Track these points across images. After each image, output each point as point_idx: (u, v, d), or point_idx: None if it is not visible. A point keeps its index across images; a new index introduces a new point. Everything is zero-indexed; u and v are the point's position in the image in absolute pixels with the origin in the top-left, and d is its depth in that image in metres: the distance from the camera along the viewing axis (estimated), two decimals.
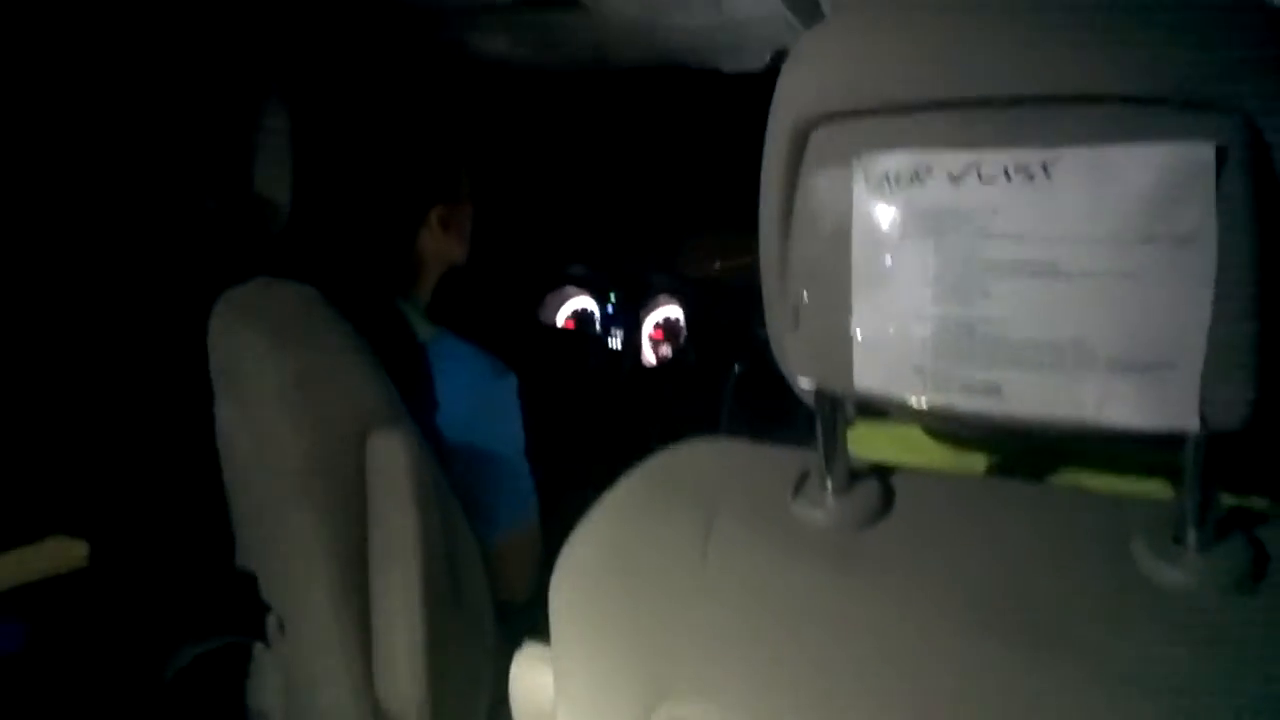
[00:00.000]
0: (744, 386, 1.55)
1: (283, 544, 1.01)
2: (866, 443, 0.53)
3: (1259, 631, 0.35)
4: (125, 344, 1.27)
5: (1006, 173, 0.38)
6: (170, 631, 1.10)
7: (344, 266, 1.12)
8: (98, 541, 1.17)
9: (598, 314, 1.93)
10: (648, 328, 1.84)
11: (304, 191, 1.13)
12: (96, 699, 1.16)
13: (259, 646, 1.11)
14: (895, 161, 0.41)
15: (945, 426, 0.46)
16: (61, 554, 1.14)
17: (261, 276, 1.07)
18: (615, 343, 1.86)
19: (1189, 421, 0.36)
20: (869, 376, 0.43)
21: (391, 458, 0.96)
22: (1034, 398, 0.39)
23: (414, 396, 1.05)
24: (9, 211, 1.22)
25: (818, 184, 0.44)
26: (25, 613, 1.14)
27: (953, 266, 0.39)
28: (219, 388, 1.08)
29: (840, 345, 0.43)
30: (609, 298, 1.91)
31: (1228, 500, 0.39)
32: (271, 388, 0.97)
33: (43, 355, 1.23)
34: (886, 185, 0.41)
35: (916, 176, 0.40)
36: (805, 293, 0.45)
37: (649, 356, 1.84)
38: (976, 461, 0.54)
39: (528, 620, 0.60)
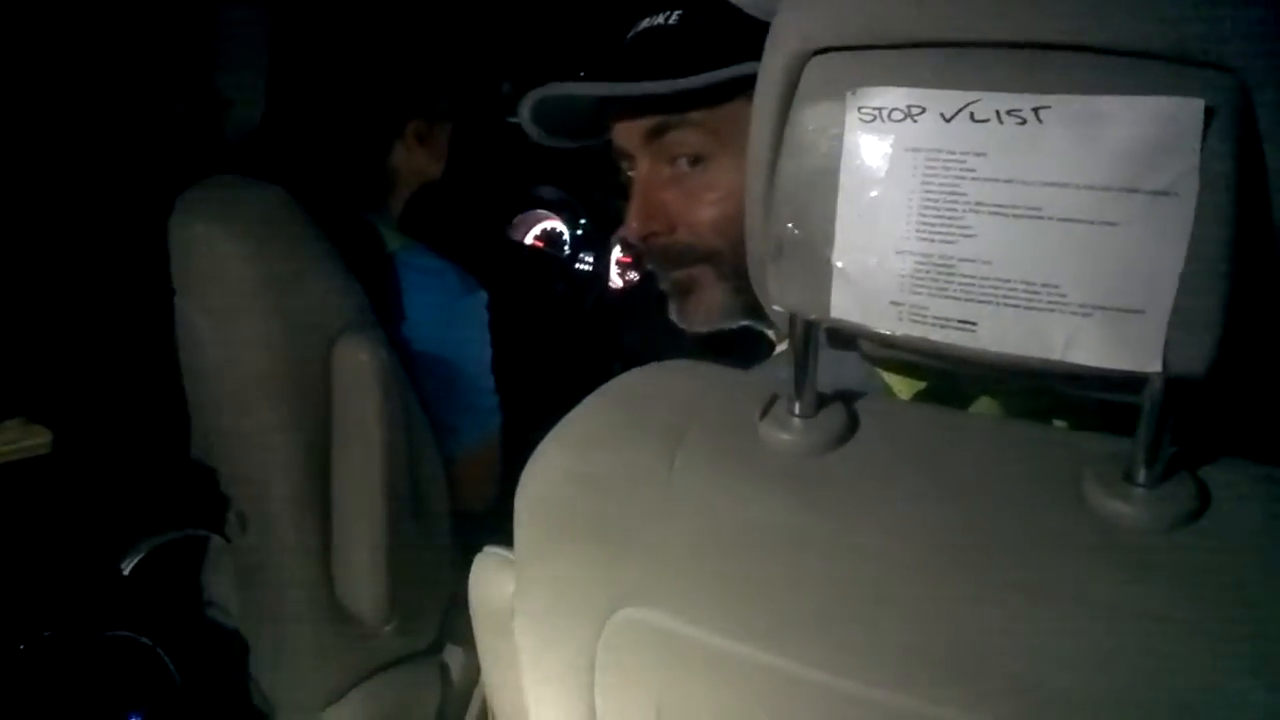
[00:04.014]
0: None
1: (246, 442, 1.01)
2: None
3: (1198, 561, 0.38)
4: (93, 238, 1.25)
5: (999, 115, 0.39)
6: (129, 524, 1.11)
7: (315, 174, 1.10)
8: (61, 429, 1.16)
9: (567, 236, 1.93)
10: (616, 253, 1.84)
11: (278, 97, 1.10)
12: (51, 588, 1.16)
13: (215, 539, 1.12)
14: (889, 97, 0.41)
15: (918, 360, 0.48)
16: (24, 437, 1.13)
17: (225, 175, 1.05)
18: (584, 266, 1.86)
19: (1152, 364, 0.38)
20: (846, 307, 0.44)
21: (359, 364, 0.96)
22: (1006, 335, 0.40)
23: (381, 306, 1.05)
24: None
25: (810, 116, 0.44)
26: None
27: (938, 204, 0.40)
28: (180, 285, 1.06)
29: (820, 275, 0.44)
30: (579, 222, 1.90)
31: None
32: (239, 288, 0.96)
33: (12, 245, 1.21)
34: (879, 120, 0.42)
35: (909, 113, 0.41)
36: (791, 224, 0.45)
37: (616, 281, 1.84)
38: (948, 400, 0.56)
39: (487, 531, 0.61)
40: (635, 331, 1.70)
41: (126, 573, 1.05)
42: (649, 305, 1.75)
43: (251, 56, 1.06)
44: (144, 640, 1.08)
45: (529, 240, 1.96)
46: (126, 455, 1.21)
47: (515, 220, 1.96)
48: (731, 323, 0.83)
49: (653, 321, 1.70)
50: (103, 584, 1.08)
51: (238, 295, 0.96)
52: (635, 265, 1.82)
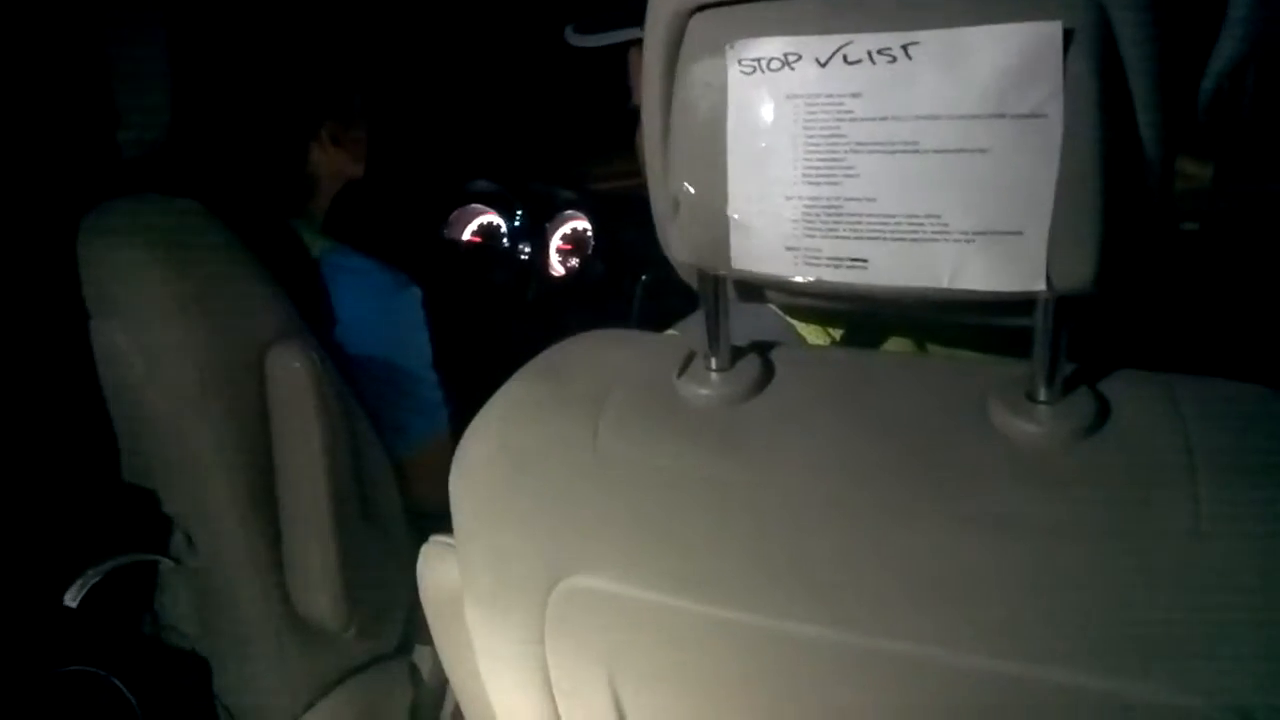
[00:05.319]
0: (651, 295, 1.57)
1: (184, 461, 1.00)
2: None
3: (1100, 471, 0.39)
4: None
5: (870, 55, 0.39)
6: (70, 556, 1.08)
7: (229, 181, 1.08)
8: None
9: (504, 228, 1.92)
10: (555, 240, 1.84)
11: (184, 105, 1.07)
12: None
13: (165, 562, 1.10)
14: (767, 47, 0.42)
15: (820, 305, 0.48)
16: None
17: (132, 193, 1.03)
18: (523, 256, 1.85)
19: (1036, 284, 0.39)
20: (745, 257, 0.44)
21: (291, 372, 0.95)
22: (896, 268, 0.41)
23: (312, 310, 1.04)
24: None
25: (695, 73, 0.45)
26: None
27: (820, 148, 0.41)
28: (96, 308, 1.04)
29: (718, 229, 0.45)
30: (515, 212, 1.90)
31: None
32: (161, 306, 0.94)
33: None
34: (759, 71, 0.42)
35: (787, 61, 0.41)
36: (686, 181, 0.46)
37: (557, 268, 1.83)
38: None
39: (448, 529, 0.61)
40: (578, 318, 1.70)
41: (74, 606, 1.02)
42: (591, 291, 1.76)
43: (150, 68, 1.04)
44: (98, 672, 1.06)
45: (466, 236, 1.94)
46: (58, 487, 1.18)
47: (451, 217, 1.94)
48: None
49: (596, 307, 1.70)
50: (49, 620, 1.06)
51: (158, 314, 0.94)
52: (575, 252, 1.82)
